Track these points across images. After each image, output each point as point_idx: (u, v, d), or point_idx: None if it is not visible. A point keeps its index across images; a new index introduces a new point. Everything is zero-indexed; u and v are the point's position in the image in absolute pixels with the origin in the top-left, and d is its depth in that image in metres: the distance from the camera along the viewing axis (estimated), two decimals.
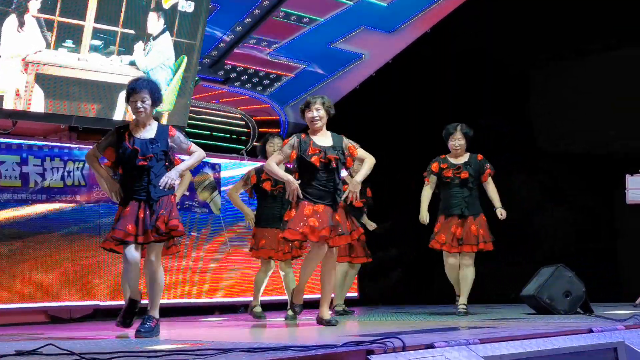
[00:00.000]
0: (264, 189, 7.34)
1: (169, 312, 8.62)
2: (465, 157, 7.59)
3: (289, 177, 6.16)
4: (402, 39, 10.50)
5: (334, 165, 6.16)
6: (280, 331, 6.32)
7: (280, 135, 7.60)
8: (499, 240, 10.10)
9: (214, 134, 10.07)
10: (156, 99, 5.62)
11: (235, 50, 9.73)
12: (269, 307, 8.35)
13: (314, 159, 6.13)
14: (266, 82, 10.37)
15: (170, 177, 5.50)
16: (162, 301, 8.57)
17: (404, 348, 4.19)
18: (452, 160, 7.55)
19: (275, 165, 6.29)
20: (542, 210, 10.25)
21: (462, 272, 7.44)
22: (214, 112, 10.20)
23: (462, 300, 7.45)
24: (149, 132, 5.59)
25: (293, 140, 6.25)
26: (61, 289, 7.95)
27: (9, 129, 7.91)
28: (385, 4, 9.87)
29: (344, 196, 6.17)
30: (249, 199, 7.70)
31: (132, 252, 5.46)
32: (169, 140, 5.63)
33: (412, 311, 7.96)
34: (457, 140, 7.54)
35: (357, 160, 6.36)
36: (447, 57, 10.64)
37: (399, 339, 4.29)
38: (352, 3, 9.68)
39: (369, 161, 6.32)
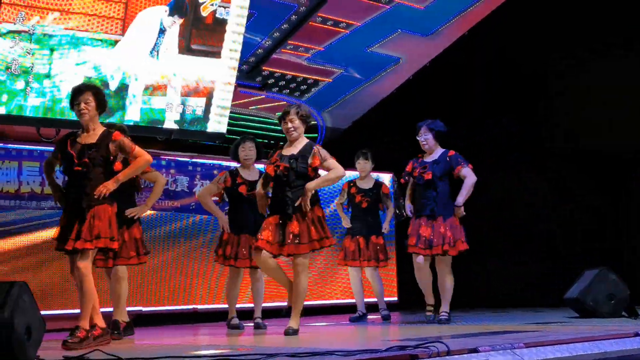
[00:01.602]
0: (239, 192, 7.10)
1: (213, 317, 8.69)
2: (437, 154, 7.35)
3: (258, 191, 6.32)
4: (439, 42, 10.46)
5: (280, 172, 6.10)
6: (323, 335, 6.32)
7: (251, 138, 7.37)
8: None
9: None
10: (100, 102, 5.55)
11: (273, 56, 9.77)
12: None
13: (268, 168, 6.19)
14: (303, 87, 10.39)
15: (107, 187, 5.40)
16: (206, 306, 8.75)
17: (448, 352, 4.19)
18: (424, 159, 7.37)
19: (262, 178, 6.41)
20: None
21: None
22: (252, 118, 10.24)
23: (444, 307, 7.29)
24: (92, 137, 5.52)
25: (271, 152, 6.34)
26: (104, 295, 8.02)
27: (52, 137, 8.02)
28: (422, 7, 9.85)
29: (297, 203, 6.05)
30: (218, 203, 7.39)
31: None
32: (110, 145, 5.51)
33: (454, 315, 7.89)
34: (422, 136, 7.34)
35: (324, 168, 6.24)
36: (469, 58, 10.61)
37: (443, 343, 4.28)
38: (388, 7, 9.68)
39: (332, 173, 6.19)
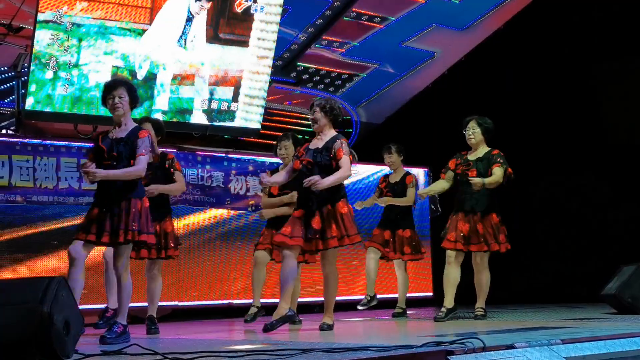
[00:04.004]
0: (270, 192, 7.12)
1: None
2: (481, 152, 7.20)
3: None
4: (475, 36, 10.40)
5: (303, 166, 6.06)
6: (358, 331, 6.33)
7: (289, 136, 7.24)
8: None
9: None
10: (134, 98, 5.53)
11: (307, 52, 9.79)
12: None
13: (295, 163, 6.16)
14: (338, 82, 10.40)
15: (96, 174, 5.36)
16: (241, 301, 8.79)
17: (484, 348, 4.16)
18: (468, 157, 7.23)
19: (283, 170, 6.45)
20: (612, 208, 10.05)
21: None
22: (287, 113, 10.27)
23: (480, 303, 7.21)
24: (123, 132, 5.50)
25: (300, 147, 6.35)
26: (140, 290, 8.10)
27: (89, 133, 8.10)
28: (458, 1, 9.80)
29: (306, 184, 5.89)
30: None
31: (76, 247, 5.32)
32: (136, 141, 5.46)
33: (489, 311, 7.84)
34: (470, 129, 7.19)
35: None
36: (505, 52, 10.52)
37: (479, 339, 4.26)
38: (423, 1, 9.64)
39: (340, 172, 6.00)
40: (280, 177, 6.39)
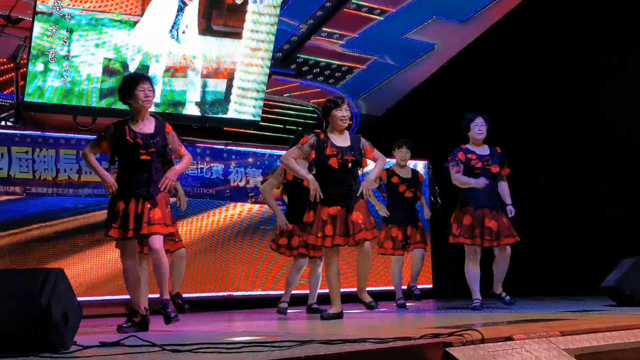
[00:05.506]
0: (299, 183, 7.04)
1: (248, 303, 8.73)
2: (486, 148, 7.39)
3: (311, 177, 6.16)
4: (475, 28, 10.38)
5: (349, 166, 6.13)
6: (357, 323, 6.32)
7: (313, 131, 7.31)
8: (570, 234, 9.95)
9: (287, 127, 10.12)
10: (154, 94, 5.68)
11: (307, 44, 9.77)
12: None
13: (332, 160, 6.12)
14: (338, 74, 10.38)
15: (169, 179, 5.54)
16: (241, 293, 8.80)
17: (482, 340, 4.15)
18: (477, 151, 7.35)
19: (294, 160, 6.26)
20: (611, 203, 10.04)
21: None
22: (286, 105, 10.26)
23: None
24: (148, 126, 5.57)
25: (312, 139, 6.23)
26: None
27: (89, 125, 8.09)
28: None
29: (359, 192, 6.11)
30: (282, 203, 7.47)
31: (125, 246, 5.54)
32: (166, 136, 5.60)
33: (488, 304, 7.84)
34: (479, 125, 7.31)
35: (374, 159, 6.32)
36: (504, 44, 10.50)
37: (478, 331, 4.25)
38: None
39: (382, 161, 6.31)
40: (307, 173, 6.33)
